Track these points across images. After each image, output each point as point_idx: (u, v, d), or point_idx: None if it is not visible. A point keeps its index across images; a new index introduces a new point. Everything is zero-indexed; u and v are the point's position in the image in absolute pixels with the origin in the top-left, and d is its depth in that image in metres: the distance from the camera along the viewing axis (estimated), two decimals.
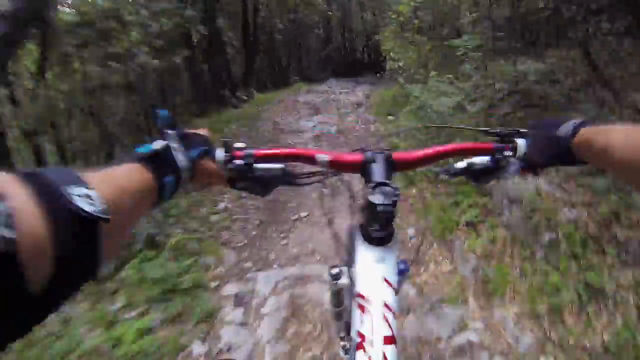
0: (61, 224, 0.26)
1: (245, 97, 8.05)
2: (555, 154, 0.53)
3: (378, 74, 9.07)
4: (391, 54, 6.22)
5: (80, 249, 0.28)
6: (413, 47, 5.74)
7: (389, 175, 0.52)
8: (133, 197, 0.37)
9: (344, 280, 0.70)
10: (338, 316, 0.88)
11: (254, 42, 10.52)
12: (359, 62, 16.32)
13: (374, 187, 0.46)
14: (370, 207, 0.46)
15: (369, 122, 5.53)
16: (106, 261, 0.32)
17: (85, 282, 0.30)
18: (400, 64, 5.76)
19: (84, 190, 0.29)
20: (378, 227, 0.48)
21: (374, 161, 0.52)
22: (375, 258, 0.49)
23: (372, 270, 0.49)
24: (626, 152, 0.43)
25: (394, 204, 0.45)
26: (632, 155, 0.42)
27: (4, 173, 0.26)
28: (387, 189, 0.46)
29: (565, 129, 0.52)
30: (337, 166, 0.56)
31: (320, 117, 6.18)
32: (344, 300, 0.82)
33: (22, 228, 0.23)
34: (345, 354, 0.84)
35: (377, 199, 0.45)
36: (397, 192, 0.46)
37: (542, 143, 0.54)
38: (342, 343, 0.86)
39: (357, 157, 0.54)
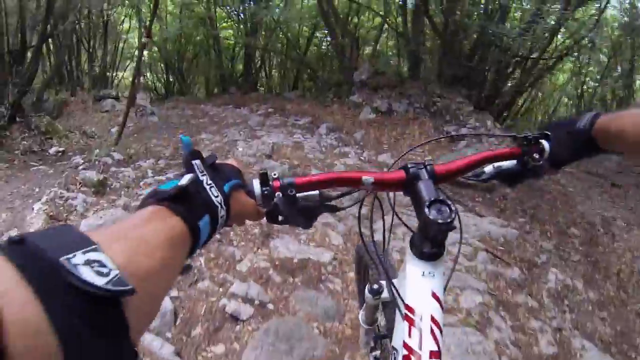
0: (62, 308, 0.20)
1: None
2: (579, 147, 0.57)
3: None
4: None
5: (97, 335, 0.21)
6: None
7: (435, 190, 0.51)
8: (161, 251, 0.29)
9: (385, 295, 0.70)
10: (368, 331, 0.88)
11: None
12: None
13: (429, 205, 0.46)
14: (426, 224, 0.46)
15: None
16: (137, 339, 0.26)
17: None
18: None
19: (92, 255, 0.22)
20: (432, 244, 0.48)
21: (418, 177, 0.52)
22: (425, 272, 0.49)
23: (421, 284, 0.49)
24: (636, 134, 0.46)
25: (452, 221, 0.44)
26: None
27: None
28: (445, 207, 0.45)
29: (583, 122, 0.56)
30: (381, 186, 0.54)
31: None
32: (377, 317, 0.82)
33: (10, 319, 0.17)
34: None
35: (436, 217, 0.44)
36: (455, 211, 0.45)
37: (565, 140, 0.58)
38: (372, 354, 0.86)
39: (400, 174, 0.53)
